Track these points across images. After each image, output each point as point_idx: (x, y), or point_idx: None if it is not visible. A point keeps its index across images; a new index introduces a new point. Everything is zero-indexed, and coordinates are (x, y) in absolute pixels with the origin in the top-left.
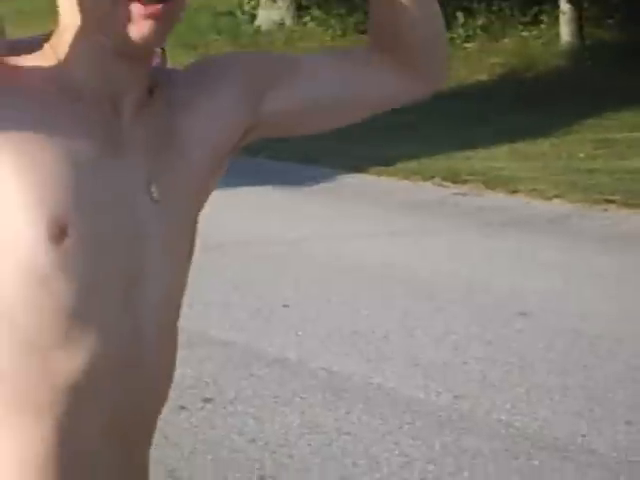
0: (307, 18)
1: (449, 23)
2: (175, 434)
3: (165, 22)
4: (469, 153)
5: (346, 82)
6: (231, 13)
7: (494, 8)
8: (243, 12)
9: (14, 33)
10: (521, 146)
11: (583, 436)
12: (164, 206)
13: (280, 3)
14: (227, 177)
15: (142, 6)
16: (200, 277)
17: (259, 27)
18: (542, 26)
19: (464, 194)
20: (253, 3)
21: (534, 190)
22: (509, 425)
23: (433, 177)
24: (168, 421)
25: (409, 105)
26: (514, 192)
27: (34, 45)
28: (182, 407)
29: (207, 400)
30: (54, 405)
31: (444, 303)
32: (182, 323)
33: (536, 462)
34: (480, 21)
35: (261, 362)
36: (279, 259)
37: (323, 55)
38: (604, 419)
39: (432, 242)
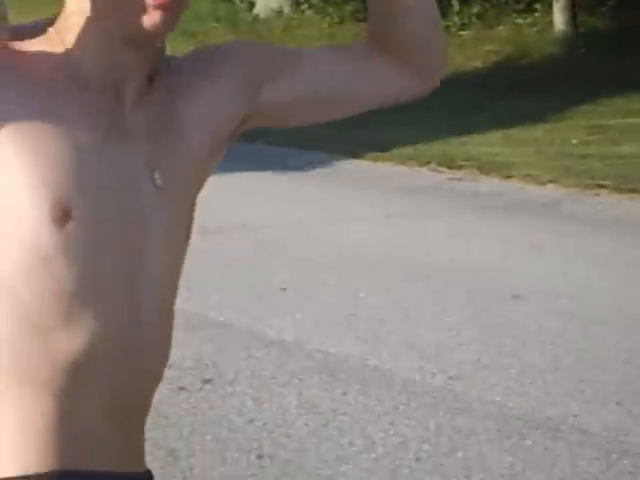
0: (305, 6)
1: (445, 11)
2: (175, 414)
3: (175, 11)
4: (464, 139)
5: (346, 76)
6: (230, 1)
7: None
8: (242, 0)
9: (17, 19)
10: (515, 132)
11: (575, 416)
12: (166, 191)
13: None
14: (226, 162)
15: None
16: (199, 260)
17: (257, 15)
18: (536, 14)
19: (459, 179)
20: None
21: (528, 175)
22: (502, 405)
23: (429, 162)
24: (168, 402)
25: None
26: (508, 177)
27: (37, 30)
28: (182, 388)
29: (206, 381)
30: (54, 383)
31: (439, 285)
32: (181, 306)
33: (529, 442)
34: (475, 9)
35: (259, 344)
36: (277, 243)
37: (324, 49)
38: (595, 400)
39: (428, 226)
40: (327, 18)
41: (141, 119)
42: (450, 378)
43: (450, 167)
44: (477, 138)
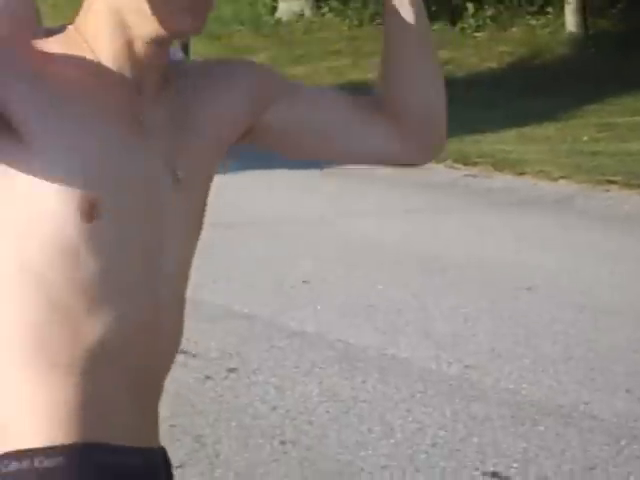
0: (325, 9)
1: (460, 13)
2: (201, 402)
3: (204, 13)
4: (479, 137)
5: (340, 124)
6: (253, 5)
7: None
8: (264, 4)
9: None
10: (528, 130)
11: (585, 403)
12: (184, 185)
13: None
14: (246, 160)
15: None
16: (223, 254)
17: (280, 18)
18: (548, 16)
19: (474, 176)
20: None
21: (540, 172)
22: (516, 393)
23: (445, 160)
24: (194, 390)
25: None
26: (521, 174)
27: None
28: (208, 377)
29: (231, 370)
30: (80, 364)
31: (455, 278)
32: (207, 298)
33: (541, 428)
34: (489, 12)
35: (282, 335)
36: (299, 237)
37: (330, 90)
38: (605, 387)
39: (444, 220)
40: (347, 21)
41: (159, 115)
42: (466, 367)
43: (465, 164)
44: (491, 136)
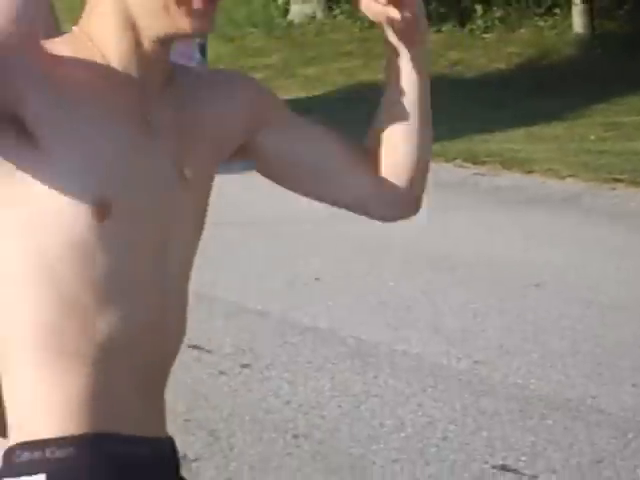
0: (337, 11)
1: (469, 15)
2: (215, 397)
3: (214, 14)
4: (488, 136)
5: (325, 169)
6: (266, 7)
7: (511, 1)
8: (277, 7)
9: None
10: (536, 129)
11: (593, 397)
12: (190, 185)
13: None
14: None
15: (202, 2)
16: (237, 252)
17: (292, 21)
18: (556, 17)
19: (483, 174)
20: None
21: (548, 170)
22: (524, 388)
23: (455, 158)
24: (209, 385)
25: (434, 92)
26: (530, 172)
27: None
28: (222, 372)
29: (245, 366)
30: (91, 357)
31: (464, 275)
32: (221, 295)
33: (549, 422)
34: (498, 13)
35: (295, 331)
36: (311, 236)
37: (326, 129)
38: (612, 382)
39: (453, 218)
40: (358, 23)
41: (165, 115)
42: (475, 362)
43: (475, 163)
44: (500, 135)
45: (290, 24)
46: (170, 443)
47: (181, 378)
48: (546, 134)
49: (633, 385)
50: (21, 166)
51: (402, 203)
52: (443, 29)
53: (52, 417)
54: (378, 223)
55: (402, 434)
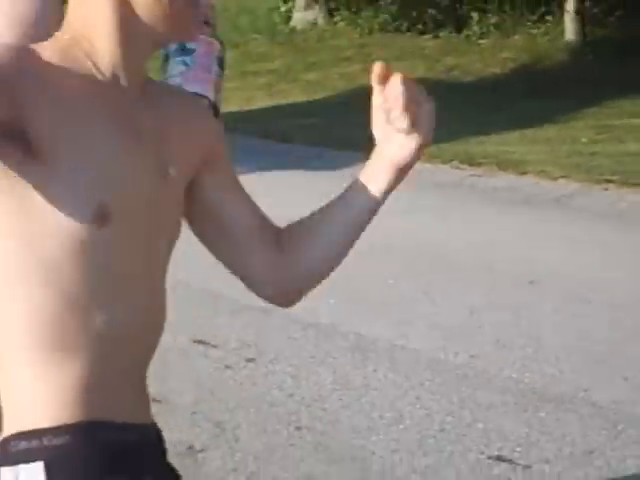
0: (337, 18)
1: (465, 22)
2: (221, 390)
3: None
4: (483, 138)
5: (237, 236)
6: (269, 14)
7: (506, 8)
8: (280, 14)
9: None
10: (530, 132)
11: (585, 390)
12: (172, 186)
13: (314, 6)
14: (263, 161)
15: (199, 12)
16: None
17: (294, 27)
18: (548, 24)
19: (479, 175)
20: (289, 4)
21: (542, 171)
22: (519, 381)
23: (451, 160)
24: (215, 379)
25: (431, 95)
26: (524, 173)
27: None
28: (227, 366)
29: (249, 360)
30: (89, 350)
31: (461, 273)
32: (226, 292)
33: (543, 414)
34: (493, 20)
35: (297, 326)
36: None
37: (254, 206)
38: (603, 376)
39: (451, 218)
40: (358, 29)
41: (147, 119)
42: (471, 357)
43: (471, 164)
44: (495, 138)
45: (292, 31)
46: (156, 430)
47: (188, 372)
48: (539, 136)
49: (624, 379)
50: (24, 179)
51: (287, 295)
52: (440, 35)
53: (48, 409)
54: (378, 224)
55: (401, 426)
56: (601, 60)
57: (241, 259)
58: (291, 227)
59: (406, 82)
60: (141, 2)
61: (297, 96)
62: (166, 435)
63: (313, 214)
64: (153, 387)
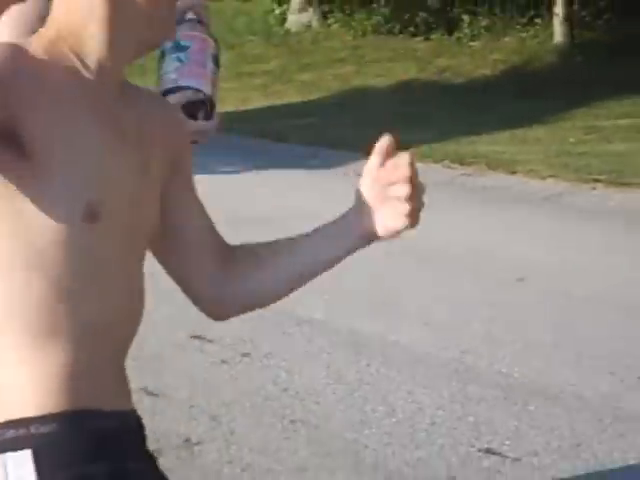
0: (331, 21)
1: (457, 24)
2: (217, 384)
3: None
4: (474, 138)
5: (188, 248)
6: (264, 16)
7: (496, 11)
8: (275, 16)
9: None
10: (520, 132)
11: (572, 385)
12: (154, 183)
13: (308, 8)
14: (259, 160)
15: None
16: None
17: (289, 29)
18: (537, 27)
19: (470, 174)
20: (284, 7)
21: (531, 171)
22: (508, 376)
23: (443, 160)
24: (211, 373)
25: (423, 97)
26: (513, 172)
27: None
28: (223, 361)
29: (245, 355)
30: (75, 338)
31: (452, 270)
32: None
33: (532, 407)
34: (484, 22)
35: (292, 322)
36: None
37: (210, 223)
38: (591, 370)
39: (442, 216)
40: (351, 32)
41: (128, 118)
42: (462, 352)
43: (461, 164)
44: (486, 138)
45: (287, 32)
46: (136, 417)
47: (184, 367)
48: (529, 137)
49: (611, 373)
50: (14, 178)
51: (218, 314)
52: (432, 37)
53: (35, 396)
54: None
55: (393, 419)
56: (589, 62)
57: (184, 265)
58: (244, 250)
59: (413, 164)
60: (129, 2)
61: (292, 96)
62: (163, 428)
63: (272, 245)
64: (150, 381)
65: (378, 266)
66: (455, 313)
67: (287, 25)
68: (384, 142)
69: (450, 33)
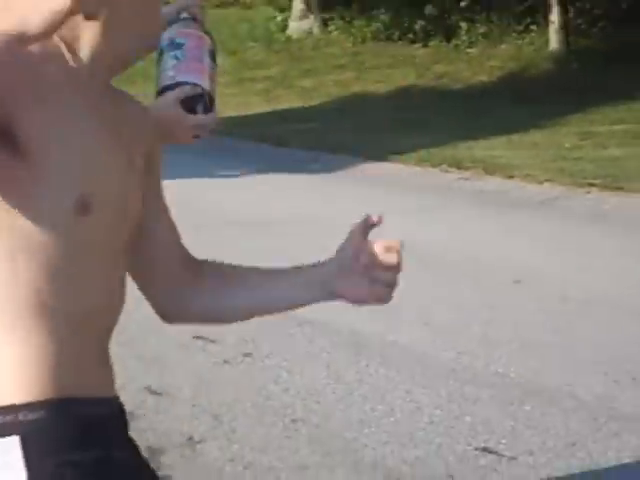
0: (332, 27)
1: (455, 31)
2: (219, 384)
3: None
4: (471, 143)
5: (154, 250)
6: (266, 24)
7: (493, 18)
8: (276, 23)
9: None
10: (516, 137)
11: (568, 385)
12: (138, 177)
13: (309, 15)
14: (261, 164)
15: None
16: (240, 251)
17: (290, 36)
18: (533, 34)
19: (467, 179)
20: (285, 14)
21: (528, 175)
22: (505, 376)
23: (441, 164)
24: (213, 373)
25: (422, 103)
26: (510, 177)
27: None
28: (225, 361)
29: (247, 355)
30: (65, 325)
31: (450, 272)
32: None
33: (528, 407)
34: (481, 30)
35: (293, 323)
36: (309, 235)
37: (173, 227)
38: (586, 371)
39: (440, 220)
40: (351, 38)
41: (115, 114)
42: (459, 352)
43: (459, 168)
44: (483, 142)
45: (288, 39)
46: (118, 403)
47: (188, 366)
48: (525, 142)
49: (605, 374)
50: (9, 177)
51: (171, 318)
52: (430, 44)
53: (23, 384)
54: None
55: (392, 419)
56: (584, 69)
57: (146, 268)
58: (210, 266)
59: (400, 252)
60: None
61: (293, 102)
62: (166, 426)
63: (242, 272)
64: (154, 380)
65: None
66: (453, 314)
67: (288, 32)
68: (373, 220)
69: (448, 40)
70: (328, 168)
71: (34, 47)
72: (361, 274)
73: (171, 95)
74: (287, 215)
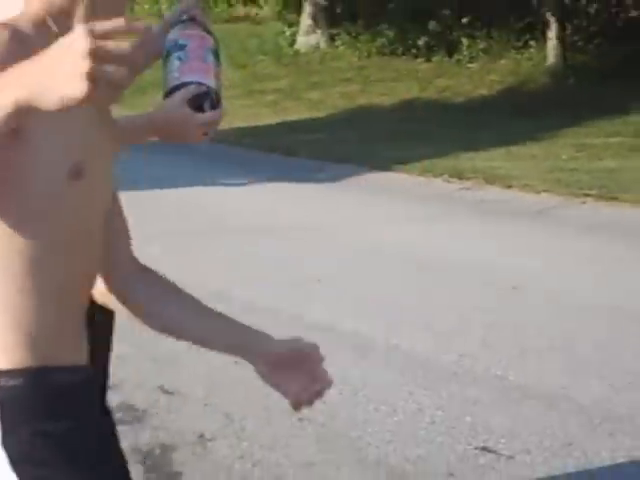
0: (338, 42)
1: (456, 47)
2: (230, 384)
3: None
4: (472, 154)
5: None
6: (275, 38)
7: (493, 34)
8: (285, 38)
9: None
10: (515, 149)
11: (565, 388)
12: (115, 149)
13: (317, 30)
14: (270, 173)
15: None
16: (250, 257)
17: (298, 50)
18: (532, 50)
19: (468, 189)
20: (294, 29)
21: (526, 185)
22: (504, 379)
23: (442, 174)
24: (224, 374)
25: (425, 115)
26: (509, 187)
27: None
28: (235, 362)
29: None
30: (57, 294)
31: (451, 278)
32: (237, 294)
33: (526, 409)
34: (482, 45)
35: (300, 326)
36: (315, 242)
37: (125, 231)
38: (582, 374)
39: (442, 228)
40: (357, 53)
41: (99, 108)
42: (460, 356)
43: (460, 178)
44: (483, 154)
45: (296, 53)
46: (92, 371)
47: (199, 367)
48: (524, 153)
49: (600, 377)
50: (6, 154)
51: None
52: (433, 59)
53: (8, 351)
54: (374, 232)
55: (395, 419)
56: (581, 84)
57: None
58: (158, 276)
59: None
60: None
61: (301, 113)
62: (178, 425)
63: (183, 292)
64: (167, 380)
65: (381, 274)
66: (454, 319)
67: (296, 46)
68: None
69: (450, 55)
70: (334, 177)
71: (32, 35)
72: (297, 379)
73: (178, 96)
74: (293, 222)
